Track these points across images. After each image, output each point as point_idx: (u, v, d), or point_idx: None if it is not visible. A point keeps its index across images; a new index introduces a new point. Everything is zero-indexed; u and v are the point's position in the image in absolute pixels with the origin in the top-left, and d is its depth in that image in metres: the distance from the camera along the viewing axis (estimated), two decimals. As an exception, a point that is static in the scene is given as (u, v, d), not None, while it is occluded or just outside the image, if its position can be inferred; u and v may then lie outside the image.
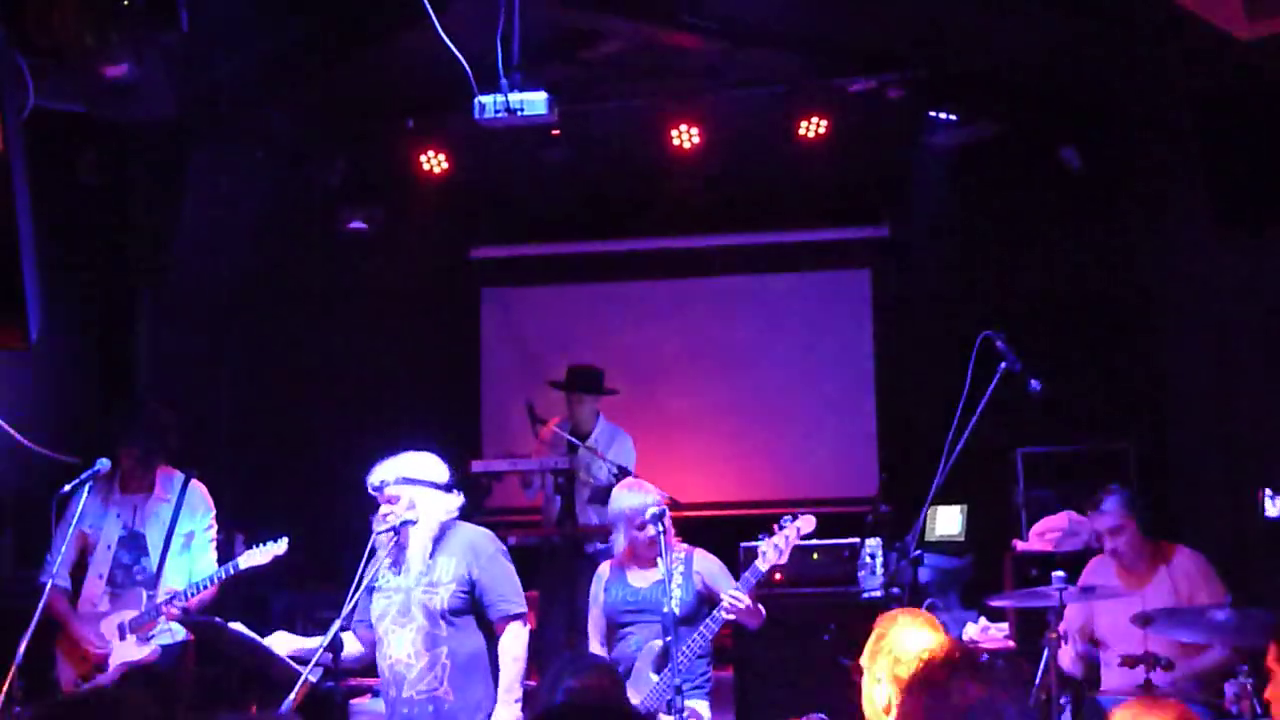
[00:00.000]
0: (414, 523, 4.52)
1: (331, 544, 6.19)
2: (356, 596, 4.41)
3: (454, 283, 9.13)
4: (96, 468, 5.17)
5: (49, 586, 5.09)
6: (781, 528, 5.01)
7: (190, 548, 5.54)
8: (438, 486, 4.62)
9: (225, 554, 5.67)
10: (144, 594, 5.44)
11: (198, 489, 5.60)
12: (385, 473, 4.59)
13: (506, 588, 4.60)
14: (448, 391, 8.99)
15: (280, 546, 5.28)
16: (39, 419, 5.58)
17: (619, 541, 5.17)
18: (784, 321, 8.95)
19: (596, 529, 6.83)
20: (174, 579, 5.46)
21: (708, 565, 5.16)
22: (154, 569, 5.45)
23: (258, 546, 5.27)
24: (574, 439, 7.15)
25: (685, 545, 5.14)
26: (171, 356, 7.34)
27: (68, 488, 5.13)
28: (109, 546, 5.46)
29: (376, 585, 4.55)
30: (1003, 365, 4.91)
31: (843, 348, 8.88)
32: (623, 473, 6.66)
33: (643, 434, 7.62)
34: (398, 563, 4.54)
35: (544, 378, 7.79)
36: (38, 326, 3.95)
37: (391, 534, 4.47)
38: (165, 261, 7.21)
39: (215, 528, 5.60)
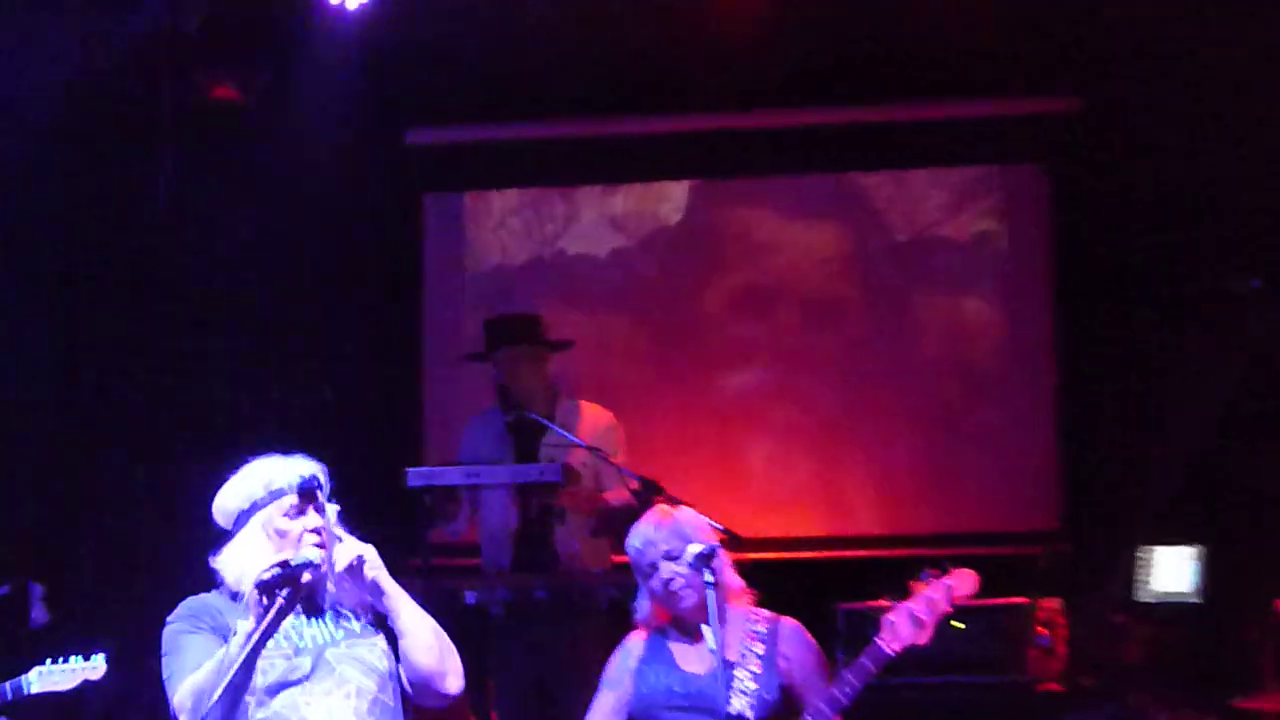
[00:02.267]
0: (359, 561, 4.52)
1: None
2: (236, 665, 4.32)
3: (379, 186, 9.26)
4: None
5: None
6: (921, 585, 5.00)
7: None
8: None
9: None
10: None
11: None
12: (315, 469, 4.58)
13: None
14: (371, 361, 9.14)
15: (95, 667, 5.57)
16: None
17: (645, 611, 5.25)
18: (899, 252, 9.20)
19: (582, 576, 6.87)
20: None
21: (800, 644, 5.22)
22: None
23: (60, 661, 5.54)
24: (552, 425, 7.05)
25: (767, 613, 5.24)
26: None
27: None
28: None
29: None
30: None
31: (998, 295, 9.13)
32: (647, 487, 6.61)
33: (677, 431, 7.80)
34: (315, 610, 4.57)
35: None
36: None
37: (312, 568, 4.40)
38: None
39: None
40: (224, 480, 4.67)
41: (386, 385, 9.15)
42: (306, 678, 4.53)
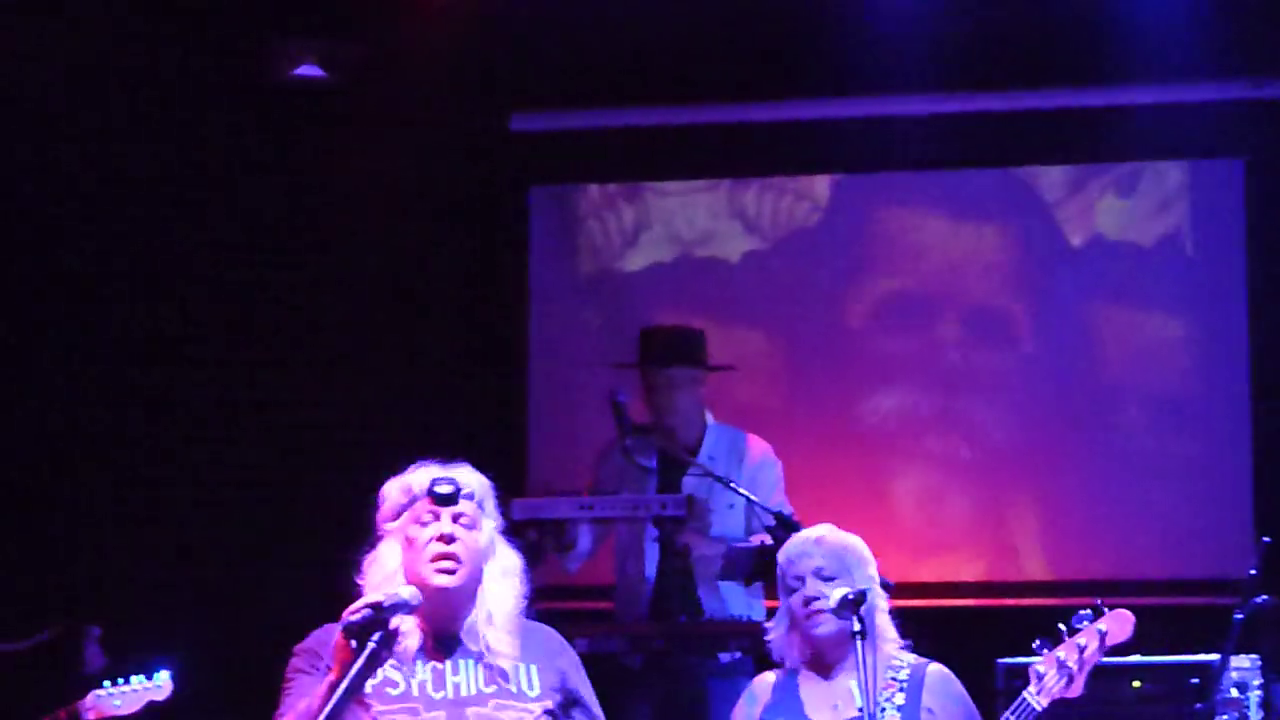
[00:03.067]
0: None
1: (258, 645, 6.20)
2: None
3: (481, 176, 9.31)
4: None
5: None
6: (1073, 632, 5.02)
7: None
8: (510, 540, 4.59)
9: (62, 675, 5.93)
10: None
11: None
12: (467, 477, 4.53)
13: None
14: (469, 368, 9.19)
15: (160, 686, 5.54)
16: None
17: (779, 634, 5.27)
18: (1074, 258, 9.15)
19: (728, 626, 6.83)
20: None
21: (947, 695, 5.21)
22: None
23: (117, 684, 5.59)
24: (684, 455, 7.14)
25: (911, 657, 5.25)
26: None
27: None
28: None
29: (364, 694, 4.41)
30: None
31: (1186, 308, 9.08)
32: (784, 526, 6.63)
33: (816, 460, 7.83)
34: (408, 657, 4.43)
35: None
36: None
37: (404, 610, 4.30)
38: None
39: None
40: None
41: (486, 396, 9.20)
42: None
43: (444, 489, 4.48)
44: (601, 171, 9.49)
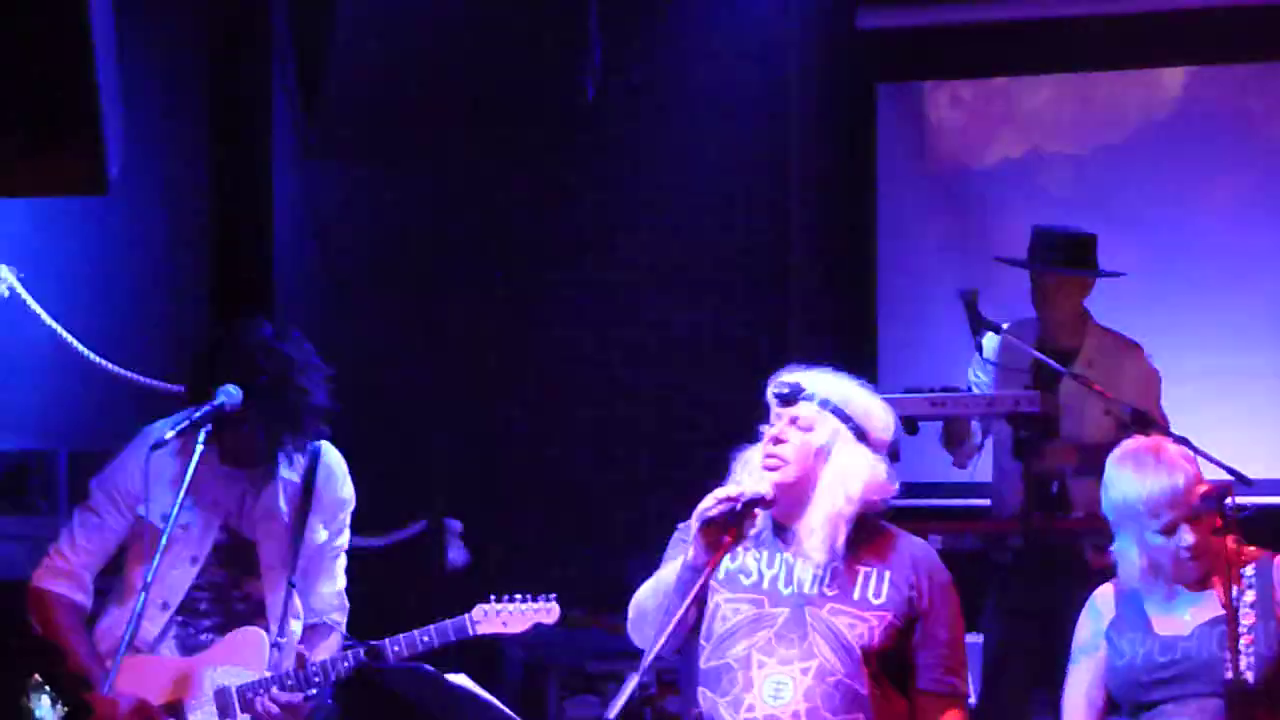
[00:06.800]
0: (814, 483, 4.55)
1: (612, 544, 6.30)
2: (682, 612, 4.41)
3: (827, 76, 9.30)
4: (219, 401, 5.39)
5: (46, 594, 5.54)
6: None
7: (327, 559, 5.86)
8: (873, 446, 4.61)
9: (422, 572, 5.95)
10: (262, 639, 5.63)
11: (333, 461, 5.83)
12: (810, 380, 4.63)
13: (956, 649, 4.69)
14: (817, 274, 9.23)
15: (549, 609, 5.56)
16: (123, 319, 5.83)
17: (1128, 553, 5.15)
18: None
19: (1087, 524, 6.69)
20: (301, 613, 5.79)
21: None
22: (281, 596, 5.68)
23: (506, 600, 5.53)
24: (1045, 357, 7.03)
25: (1254, 549, 5.11)
26: (326, 223, 7.93)
27: (170, 433, 5.38)
28: (194, 559, 5.65)
29: (715, 579, 4.58)
30: None
31: None
32: (1136, 419, 6.60)
33: (1171, 360, 7.49)
34: (765, 545, 4.62)
35: (994, 250, 7.88)
36: (119, 160, 4.37)
37: (761, 504, 4.48)
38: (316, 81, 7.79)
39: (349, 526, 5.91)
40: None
41: (835, 300, 9.20)
42: (775, 633, 4.56)
43: (781, 390, 4.59)
44: (948, 68, 9.40)
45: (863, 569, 4.58)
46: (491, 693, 5.04)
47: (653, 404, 8.83)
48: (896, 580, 4.58)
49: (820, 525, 4.56)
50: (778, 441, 4.56)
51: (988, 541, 7.03)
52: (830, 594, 4.56)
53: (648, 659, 4.38)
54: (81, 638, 5.58)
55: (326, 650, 5.72)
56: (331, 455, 5.81)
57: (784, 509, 4.59)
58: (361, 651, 5.52)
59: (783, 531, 4.61)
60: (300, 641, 5.69)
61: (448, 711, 4.95)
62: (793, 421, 4.58)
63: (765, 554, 4.62)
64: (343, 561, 5.88)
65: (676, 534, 4.70)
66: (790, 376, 4.64)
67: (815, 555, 4.55)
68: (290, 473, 5.71)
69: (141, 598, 5.27)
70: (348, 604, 5.85)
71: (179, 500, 5.33)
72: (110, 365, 6.41)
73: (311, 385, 5.60)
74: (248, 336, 5.64)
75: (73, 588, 5.58)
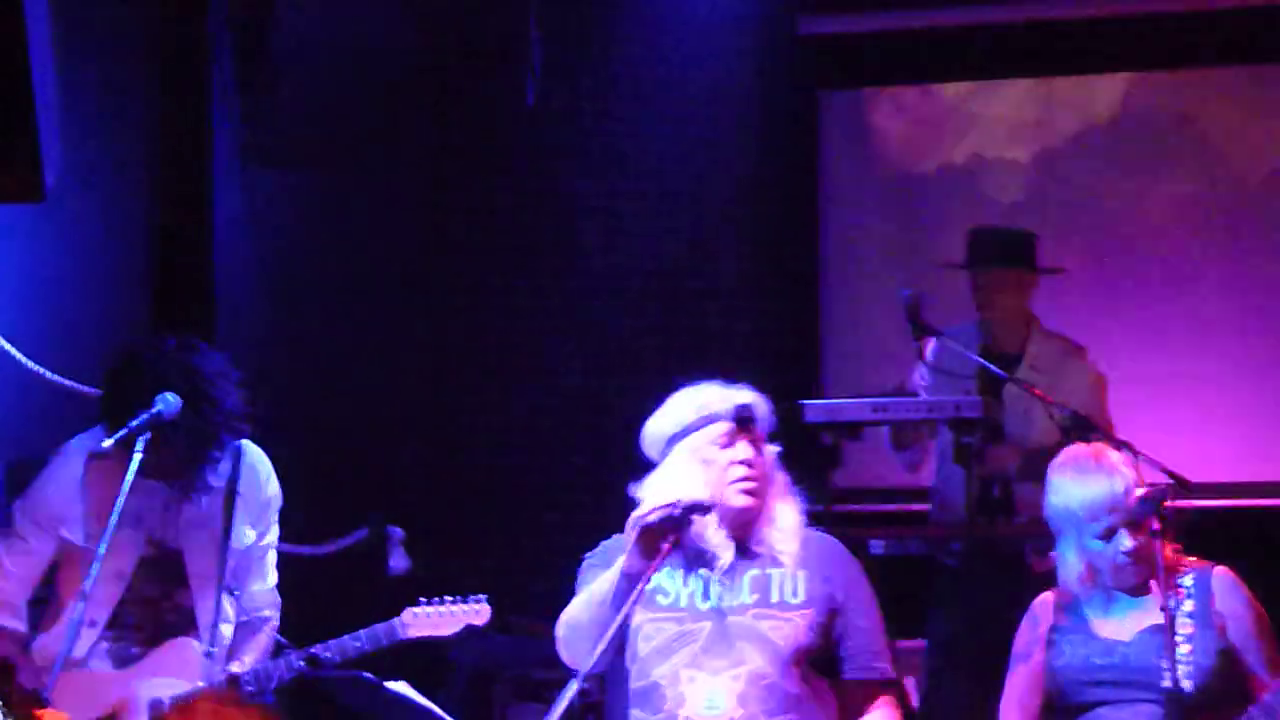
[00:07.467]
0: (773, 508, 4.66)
1: (563, 552, 6.31)
2: (620, 619, 4.43)
3: (770, 82, 9.27)
4: (158, 409, 5.36)
5: None
6: None
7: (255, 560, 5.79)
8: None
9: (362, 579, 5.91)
10: (194, 649, 5.59)
11: (255, 460, 5.78)
12: (756, 399, 4.71)
13: (877, 635, 4.74)
14: (760, 278, 9.23)
15: (479, 610, 5.63)
16: (61, 326, 5.76)
17: (1067, 557, 5.15)
18: None
19: (1030, 528, 6.66)
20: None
21: (1236, 599, 5.09)
22: (211, 604, 5.63)
23: (436, 603, 5.60)
24: (985, 363, 7.03)
25: (1192, 560, 5.14)
26: (267, 231, 7.87)
27: (108, 442, 5.35)
28: (119, 574, 5.58)
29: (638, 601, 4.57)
30: None
31: None
32: (1076, 424, 6.56)
33: (1112, 363, 7.50)
34: (700, 564, 4.64)
35: (936, 252, 7.90)
36: (55, 169, 4.43)
37: (700, 511, 4.53)
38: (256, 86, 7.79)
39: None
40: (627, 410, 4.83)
41: (778, 306, 9.19)
42: (700, 647, 4.58)
43: (748, 415, 4.65)
44: (890, 75, 9.40)
45: (775, 571, 4.62)
46: (435, 700, 5.11)
47: (603, 410, 8.79)
48: (811, 577, 4.63)
49: (787, 536, 4.65)
50: (752, 464, 4.63)
51: (931, 545, 7.04)
52: (750, 600, 4.61)
53: (587, 666, 4.40)
54: (24, 661, 5.55)
55: (256, 647, 5.69)
56: (253, 454, 5.76)
57: (734, 528, 4.62)
58: (300, 659, 5.51)
59: (739, 546, 4.63)
60: (231, 642, 5.64)
61: (387, 718, 4.88)
62: (753, 443, 4.65)
63: (680, 573, 4.65)
64: (273, 557, 5.83)
65: (587, 561, 4.74)
66: (745, 398, 4.69)
67: (786, 560, 4.62)
68: (213, 478, 5.66)
69: (79, 610, 5.22)
70: (279, 600, 5.79)
71: (115, 514, 5.26)
72: (48, 373, 6.38)
73: (221, 394, 5.57)
74: (152, 353, 5.61)
75: (6, 616, 5.57)
